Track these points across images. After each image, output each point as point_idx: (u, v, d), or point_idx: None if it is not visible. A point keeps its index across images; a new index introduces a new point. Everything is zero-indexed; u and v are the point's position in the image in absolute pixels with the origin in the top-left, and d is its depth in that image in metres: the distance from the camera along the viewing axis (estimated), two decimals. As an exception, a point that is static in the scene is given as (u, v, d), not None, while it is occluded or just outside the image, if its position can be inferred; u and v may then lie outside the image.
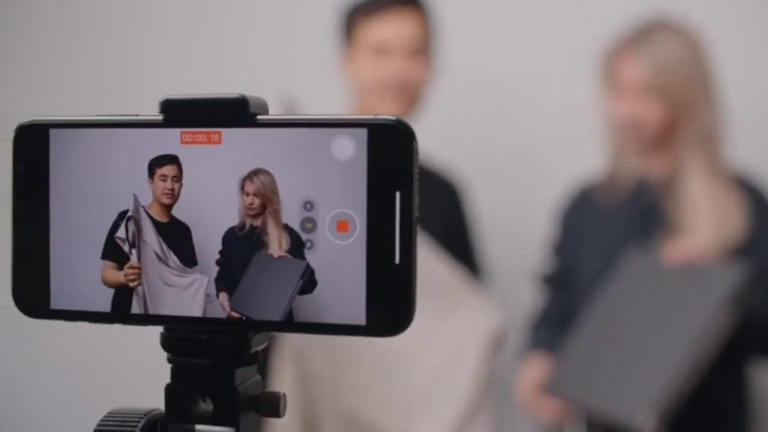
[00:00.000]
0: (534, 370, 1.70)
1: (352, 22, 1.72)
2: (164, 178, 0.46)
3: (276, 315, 0.45)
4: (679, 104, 1.59)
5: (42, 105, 2.28)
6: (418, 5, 1.71)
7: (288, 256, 0.45)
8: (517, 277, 1.99)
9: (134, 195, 0.46)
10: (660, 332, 1.51)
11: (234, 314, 0.46)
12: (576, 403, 1.60)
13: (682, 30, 1.62)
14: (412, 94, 1.71)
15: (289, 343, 1.55)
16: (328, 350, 1.58)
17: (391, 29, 1.68)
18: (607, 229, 1.70)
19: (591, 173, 1.78)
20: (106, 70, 2.34)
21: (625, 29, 1.65)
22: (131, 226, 0.47)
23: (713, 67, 1.61)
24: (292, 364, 1.56)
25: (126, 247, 0.47)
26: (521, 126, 2.12)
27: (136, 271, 0.47)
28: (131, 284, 0.47)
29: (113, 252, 0.47)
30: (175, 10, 2.33)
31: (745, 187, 1.61)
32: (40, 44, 2.40)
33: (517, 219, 2.08)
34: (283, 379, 1.54)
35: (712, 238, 1.55)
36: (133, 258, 0.47)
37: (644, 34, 1.62)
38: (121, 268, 0.47)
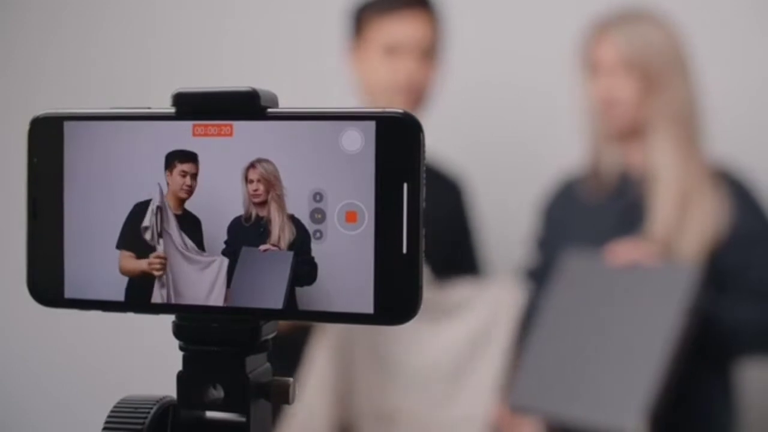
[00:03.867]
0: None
1: (362, 19, 1.72)
2: (184, 174, 0.47)
3: (278, 305, 0.46)
4: (654, 82, 1.59)
5: (50, 99, 2.28)
6: (428, 6, 1.72)
7: (274, 248, 0.46)
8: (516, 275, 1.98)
9: (159, 185, 0.47)
10: (625, 336, 1.48)
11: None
12: (548, 415, 1.54)
13: (658, 16, 1.64)
14: (419, 94, 1.71)
15: (328, 337, 1.54)
16: (368, 345, 1.58)
17: (402, 29, 1.68)
18: (591, 223, 1.68)
19: (573, 166, 1.77)
20: (112, 63, 2.35)
21: (600, 16, 1.66)
22: (157, 216, 0.48)
23: (688, 51, 1.62)
24: (331, 356, 1.54)
25: (149, 236, 0.48)
26: (520, 122, 2.12)
27: (162, 260, 0.48)
28: (156, 273, 0.48)
29: (131, 241, 0.48)
30: (183, 3, 2.33)
31: (729, 181, 1.60)
32: (48, 39, 2.41)
33: (517, 217, 2.07)
34: (321, 372, 1.53)
35: (693, 233, 1.54)
36: (160, 248, 0.48)
37: (621, 18, 1.63)
38: (139, 258, 0.48)
